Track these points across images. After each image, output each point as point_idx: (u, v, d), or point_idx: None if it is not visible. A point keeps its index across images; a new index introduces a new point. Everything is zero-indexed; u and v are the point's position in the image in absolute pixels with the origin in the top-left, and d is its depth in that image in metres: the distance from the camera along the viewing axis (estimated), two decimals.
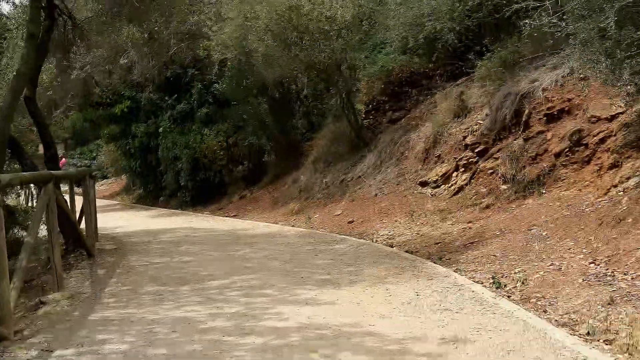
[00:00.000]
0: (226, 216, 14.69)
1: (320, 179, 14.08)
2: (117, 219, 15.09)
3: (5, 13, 14.02)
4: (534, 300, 5.26)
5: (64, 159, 38.92)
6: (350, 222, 11.02)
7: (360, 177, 12.73)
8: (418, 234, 9.28)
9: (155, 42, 14.48)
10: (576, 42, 6.96)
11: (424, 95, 13.83)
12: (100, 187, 26.76)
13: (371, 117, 14.79)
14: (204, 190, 16.98)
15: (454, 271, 6.57)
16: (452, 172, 10.73)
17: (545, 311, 4.94)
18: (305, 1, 12.22)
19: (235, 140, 16.55)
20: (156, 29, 12.69)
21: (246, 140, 16.72)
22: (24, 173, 6.04)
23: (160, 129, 17.19)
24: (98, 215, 15.45)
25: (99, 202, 22.08)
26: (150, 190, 19.71)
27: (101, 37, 11.39)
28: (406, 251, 8.18)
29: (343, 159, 14.14)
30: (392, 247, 8.75)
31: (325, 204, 12.84)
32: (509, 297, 5.42)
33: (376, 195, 11.69)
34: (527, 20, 7.68)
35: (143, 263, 7.91)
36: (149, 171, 18.90)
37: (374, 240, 9.42)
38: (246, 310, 5.23)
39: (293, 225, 12.02)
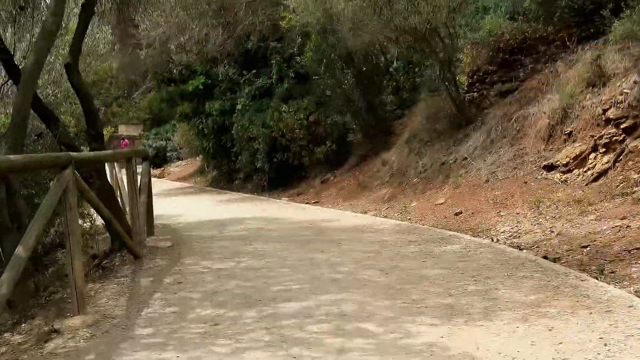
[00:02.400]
0: (306, 203, 13.03)
1: (415, 161, 12.15)
2: (184, 205, 13.77)
3: None
4: None
5: (126, 141, 38.49)
6: (457, 214, 9.08)
7: (465, 159, 10.71)
8: (551, 231, 7.24)
9: (226, 12, 13.03)
10: None
11: (542, 63, 11.58)
12: (175, 168, 25.95)
13: (475, 90, 12.65)
14: (281, 173, 15.40)
15: (637, 295, 4.56)
16: (589, 154, 8.56)
17: None
18: None
19: (317, 118, 14.83)
20: None
21: (329, 118, 14.98)
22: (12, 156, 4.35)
23: (239, 106, 15.71)
24: (165, 201, 14.56)
25: (172, 185, 21.33)
26: (225, 172, 18.38)
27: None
28: (545, 257, 6.19)
29: (442, 138, 12.14)
30: (520, 249, 6.78)
31: (423, 191, 10.92)
32: None
33: (488, 180, 9.66)
34: None
35: (201, 269, 6.29)
36: (223, 152, 17.51)
37: (494, 239, 7.46)
38: None
39: (386, 216, 10.20)
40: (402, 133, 13.98)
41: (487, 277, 5.35)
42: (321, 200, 13.15)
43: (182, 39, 13.96)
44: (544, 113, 9.63)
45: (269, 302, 4.79)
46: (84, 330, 4.06)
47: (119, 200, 9.24)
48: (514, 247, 6.94)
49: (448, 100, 12.22)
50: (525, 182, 9.07)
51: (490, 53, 12.04)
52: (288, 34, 15.25)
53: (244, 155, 15.81)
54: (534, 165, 9.32)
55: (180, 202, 14.65)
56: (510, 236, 7.59)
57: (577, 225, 7.17)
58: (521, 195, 8.75)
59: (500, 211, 8.59)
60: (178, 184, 21.29)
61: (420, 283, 5.28)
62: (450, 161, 11.12)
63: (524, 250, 6.70)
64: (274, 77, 15.48)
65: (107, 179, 8.03)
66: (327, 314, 4.38)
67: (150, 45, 13.93)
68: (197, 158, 21.38)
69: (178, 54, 15.82)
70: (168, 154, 27.15)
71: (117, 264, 7.11)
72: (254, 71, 15.92)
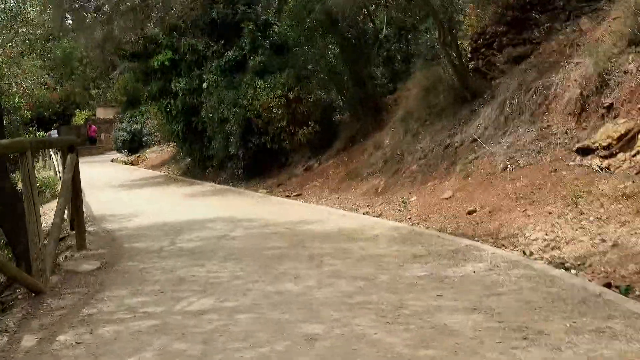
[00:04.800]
0: (286, 196, 11.08)
1: (413, 144, 10.26)
2: (145, 201, 11.82)
3: None
4: None
5: (94, 127, 36.10)
6: (470, 213, 7.21)
7: (475, 140, 8.82)
8: (602, 240, 5.41)
9: None
10: None
11: (561, 21, 9.66)
12: (151, 155, 23.90)
13: (480, 56, 10.70)
14: (259, 160, 13.43)
15: None
16: (638, 132, 6.70)
17: None
18: None
19: (298, 94, 12.83)
20: None
21: (311, 95, 12.99)
22: None
23: (205, 84, 13.66)
24: (126, 194, 12.68)
25: (142, 174, 19.18)
26: (198, 159, 16.38)
27: None
28: (608, 285, 4.35)
29: (443, 115, 10.23)
30: (567, 269, 4.95)
31: (424, 181, 9.05)
32: None
33: (506, 168, 7.78)
34: None
35: (120, 316, 4.32)
36: (194, 137, 15.46)
37: (526, 251, 5.61)
38: None
39: (380, 214, 8.33)
40: (395, 110, 12.06)
41: (541, 332, 3.49)
42: (304, 192, 11.23)
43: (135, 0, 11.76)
44: (575, 81, 7.72)
45: None
46: None
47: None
48: (557, 265, 5.10)
49: (449, 69, 10.28)
50: (555, 170, 7.20)
51: (499, 10, 10.09)
52: None
53: (217, 139, 13.82)
54: (563, 148, 7.46)
55: (142, 196, 12.68)
56: (546, 246, 5.74)
57: (637, 232, 5.33)
58: (552, 187, 6.88)
59: (526, 209, 6.73)
60: (149, 173, 19.29)
61: (442, 344, 3.41)
62: (456, 144, 9.24)
63: (574, 272, 4.86)
64: (246, 48, 13.44)
65: (8, 178, 6.09)
66: None
67: (99, 8, 11.76)
68: (172, 143, 19.35)
69: (135, 25, 13.56)
70: (144, 139, 25.03)
71: (19, 297, 5.24)
72: (222, 41, 13.82)
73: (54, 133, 28.40)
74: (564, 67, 8.38)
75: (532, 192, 7.03)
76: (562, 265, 5.14)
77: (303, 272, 5.29)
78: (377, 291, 4.55)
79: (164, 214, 9.57)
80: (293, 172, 12.90)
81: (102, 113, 36.46)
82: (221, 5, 13.82)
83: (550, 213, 6.44)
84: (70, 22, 17.05)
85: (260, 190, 12.11)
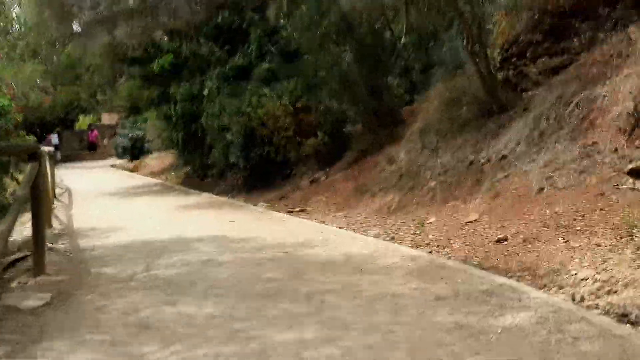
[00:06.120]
0: (289, 212, 9.99)
1: (432, 159, 9.19)
2: (134, 212, 10.79)
3: None
4: None
5: (95, 132, 35.18)
6: (500, 241, 6.11)
7: (504, 157, 7.75)
8: None
9: None
10: None
11: (606, 30, 8.61)
12: (152, 161, 23.01)
13: (510, 66, 9.66)
14: (261, 171, 12.38)
15: None
16: None
17: None
18: None
19: (306, 103, 11.84)
20: None
21: (321, 104, 11.98)
22: None
23: (205, 91, 12.72)
24: (117, 203, 11.69)
25: (139, 181, 18.14)
26: (197, 168, 15.41)
27: None
28: None
29: (466, 129, 9.18)
30: (631, 323, 3.87)
31: (445, 199, 7.97)
32: None
33: (542, 189, 6.68)
34: None
35: None
36: (194, 144, 14.49)
37: (576, 296, 4.51)
38: None
39: (393, 237, 7.23)
40: (412, 123, 11.02)
41: None
42: (308, 207, 10.16)
43: (130, 1, 10.79)
44: (630, 94, 6.64)
45: None
46: None
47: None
48: (619, 317, 4.01)
49: (476, 80, 9.26)
50: (602, 194, 6.10)
51: (536, 16, 9.04)
52: (270, 1, 12.27)
53: (217, 148, 12.82)
54: (612, 169, 6.36)
55: (133, 206, 11.64)
56: (599, 289, 4.63)
57: None
58: (600, 215, 5.78)
59: (568, 240, 5.62)
60: (147, 180, 18.31)
61: None
62: (482, 160, 8.16)
63: None
64: (252, 54, 12.49)
65: None
66: None
67: (93, 8, 10.82)
68: (173, 150, 18.45)
69: (134, 27, 12.60)
70: (145, 145, 24.20)
71: None
72: (228, 47, 12.90)
73: (54, 138, 27.59)
74: (611, 78, 7.32)
75: (574, 219, 5.93)
76: (625, 317, 4.05)
77: (300, 316, 4.18)
78: (392, 352, 3.46)
79: (149, 230, 8.51)
80: (298, 184, 11.84)
81: (107, 118, 35.72)
82: (227, 11, 12.92)
83: (598, 245, 5.34)
84: (75, 27, 16.34)
85: (261, 204, 11.03)
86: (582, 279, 4.89)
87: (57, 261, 6.43)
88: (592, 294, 4.61)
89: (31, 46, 35.35)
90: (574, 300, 4.47)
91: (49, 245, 7.26)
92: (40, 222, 5.80)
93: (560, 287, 4.81)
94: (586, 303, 4.42)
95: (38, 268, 5.69)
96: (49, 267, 5.96)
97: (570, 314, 3.99)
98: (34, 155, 5.82)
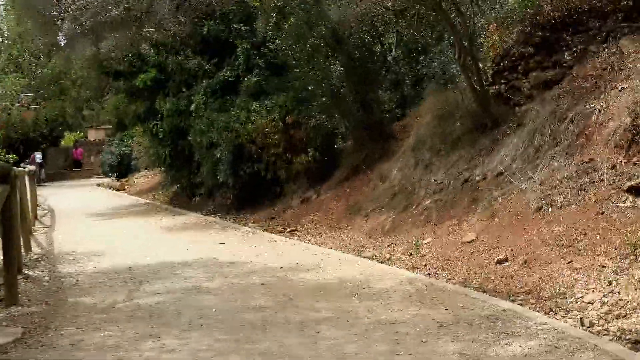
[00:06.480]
0: (280, 232, 9.76)
1: (426, 176, 9.00)
2: (119, 234, 10.48)
3: None
4: None
5: (80, 149, 34.56)
6: (500, 262, 5.93)
7: (500, 174, 7.57)
8: None
9: None
10: None
11: (597, 43, 8.51)
12: (139, 179, 22.57)
13: (502, 81, 9.51)
14: (251, 189, 12.09)
15: None
16: None
17: None
18: None
19: (296, 118, 11.63)
20: None
21: (312, 120, 11.77)
22: None
23: (193, 106, 12.45)
24: (100, 225, 11.30)
25: (126, 201, 17.59)
26: (186, 186, 15.06)
27: None
28: None
29: (460, 145, 9.02)
30: None
31: (440, 219, 7.77)
32: None
33: (540, 208, 6.50)
34: None
35: None
36: (182, 162, 14.18)
37: (584, 321, 4.32)
38: None
39: (389, 259, 7.03)
40: (404, 138, 10.86)
41: None
42: (300, 228, 9.92)
43: (113, 11, 10.53)
44: (626, 108, 6.49)
45: None
46: None
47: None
48: (632, 345, 3.82)
49: (468, 94, 9.13)
50: (602, 213, 5.94)
51: (527, 29, 8.92)
52: (258, 13, 12.06)
53: (206, 165, 12.55)
54: (610, 187, 6.20)
55: (117, 228, 11.28)
56: (607, 313, 4.46)
57: None
58: (602, 234, 5.61)
59: (571, 260, 5.45)
60: (133, 200, 17.90)
61: None
62: (477, 177, 7.99)
63: None
64: (240, 67, 12.26)
65: None
66: None
67: (76, 19, 10.52)
68: (160, 168, 18.05)
69: (119, 38, 12.30)
70: (133, 163, 23.74)
71: None
72: (215, 60, 12.66)
73: (38, 156, 27.01)
74: (605, 92, 7.20)
75: (576, 238, 5.76)
76: (638, 344, 3.86)
77: (292, 349, 3.96)
78: None
79: (133, 254, 8.20)
80: (288, 203, 11.60)
81: (93, 135, 35.14)
82: (212, 22, 12.69)
83: (603, 266, 5.17)
84: (59, 39, 16.02)
85: (251, 224, 10.76)
86: (589, 303, 4.71)
87: (33, 290, 6.12)
88: (601, 318, 4.43)
89: (13, 59, 34.95)
90: (582, 325, 4.28)
91: (24, 272, 6.97)
92: (11, 248, 5.50)
93: (567, 312, 4.62)
94: (596, 328, 4.24)
95: (10, 298, 5.38)
96: (23, 297, 5.65)
97: (581, 342, 3.80)
98: (5, 178, 5.55)
